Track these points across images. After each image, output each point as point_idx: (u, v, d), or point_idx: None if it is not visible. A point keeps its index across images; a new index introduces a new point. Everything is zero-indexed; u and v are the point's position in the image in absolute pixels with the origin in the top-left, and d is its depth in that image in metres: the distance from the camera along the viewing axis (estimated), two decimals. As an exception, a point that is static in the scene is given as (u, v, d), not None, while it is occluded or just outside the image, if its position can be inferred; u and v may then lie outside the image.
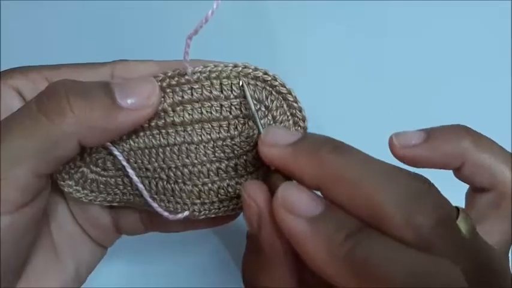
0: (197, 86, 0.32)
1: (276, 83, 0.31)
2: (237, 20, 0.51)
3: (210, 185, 0.32)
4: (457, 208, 0.27)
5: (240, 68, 0.32)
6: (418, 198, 0.25)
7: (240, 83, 0.31)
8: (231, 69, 0.32)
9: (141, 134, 0.32)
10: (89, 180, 0.33)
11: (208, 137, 0.32)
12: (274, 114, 0.31)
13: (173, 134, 0.32)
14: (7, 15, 0.51)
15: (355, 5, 0.52)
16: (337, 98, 0.49)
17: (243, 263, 0.30)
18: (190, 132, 0.32)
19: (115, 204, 0.34)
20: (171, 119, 0.32)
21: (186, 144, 0.32)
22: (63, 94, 0.28)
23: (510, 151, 0.32)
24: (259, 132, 0.30)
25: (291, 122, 0.32)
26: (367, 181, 0.25)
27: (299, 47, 0.51)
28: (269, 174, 0.29)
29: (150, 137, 0.32)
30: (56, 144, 0.28)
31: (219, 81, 0.32)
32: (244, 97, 0.31)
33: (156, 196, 0.33)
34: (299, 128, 0.32)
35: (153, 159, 0.32)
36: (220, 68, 0.32)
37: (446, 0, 0.51)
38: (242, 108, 0.31)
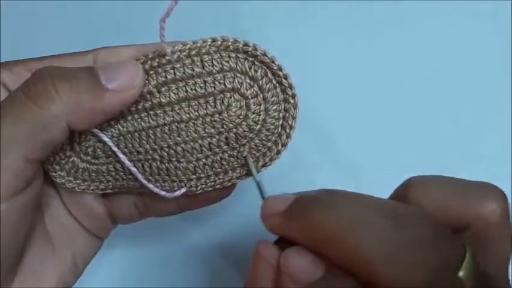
0: (179, 65, 0.32)
1: (257, 53, 0.32)
2: (234, 20, 0.51)
3: (204, 160, 0.32)
4: (464, 247, 0.26)
5: (219, 42, 0.32)
6: (407, 252, 0.24)
7: (244, 154, 0.32)
8: (209, 44, 0.32)
9: (129, 118, 0.32)
10: (80, 170, 0.33)
11: (197, 113, 0.32)
12: (260, 83, 0.32)
13: (162, 114, 0.32)
14: (7, 15, 0.50)
15: (353, 4, 0.52)
16: (336, 98, 0.49)
17: None
18: (178, 111, 0.32)
19: (109, 191, 0.34)
20: (158, 100, 0.32)
21: (176, 123, 0.32)
22: (48, 79, 0.28)
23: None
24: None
25: (278, 90, 0.32)
26: (353, 238, 0.24)
27: (296, 46, 0.51)
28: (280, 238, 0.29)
29: (139, 119, 0.32)
30: (45, 128, 0.28)
31: (199, 58, 0.32)
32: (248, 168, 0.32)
33: (150, 177, 0.33)
34: (287, 95, 0.32)
35: (144, 142, 0.32)
36: (199, 45, 0.32)
37: (447, 0, 0.51)
38: (226, 82, 0.32)
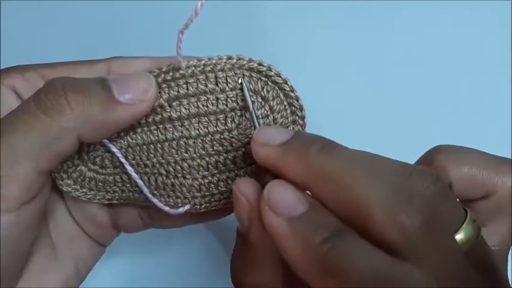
0: (192, 80, 0.32)
1: (271, 73, 0.31)
2: (234, 21, 0.51)
3: (209, 178, 0.32)
4: (465, 210, 0.26)
5: (235, 60, 0.32)
6: (404, 197, 0.24)
7: (239, 81, 0.31)
8: (225, 62, 0.32)
9: (139, 130, 0.32)
10: (87, 179, 0.33)
11: (206, 130, 0.32)
12: (271, 104, 0.32)
13: (171, 129, 0.32)
14: (7, 15, 0.50)
15: (352, 5, 0.52)
16: (334, 99, 0.49)
17: (232, 259, 0.30)
18: (187, 126, 0.32)
19: (114, 201, 0.34)
20: (168, 114, 0.32)
21: (184, 139, 0.32)
22: (60, 90, 0.28)
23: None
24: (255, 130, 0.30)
25: (288, 111, 0.32)
26: (351, 179, 0.24)
27: (295, 47, 0.51)
28: (262, 172, 0.29)
29: (148, 132, 0.32)
30: (55, 140, 0.28)
31: (213, 75, 0.32)
32: (243, 93, 0.31)
33: (155, 191, 0.33)
34: (296, 117, 0.32)
35: (152, 155, 0.32)
36: (214, 61, 0.32)
37: (447, 1, 0.51)
38: (238, 101, 0.32)
